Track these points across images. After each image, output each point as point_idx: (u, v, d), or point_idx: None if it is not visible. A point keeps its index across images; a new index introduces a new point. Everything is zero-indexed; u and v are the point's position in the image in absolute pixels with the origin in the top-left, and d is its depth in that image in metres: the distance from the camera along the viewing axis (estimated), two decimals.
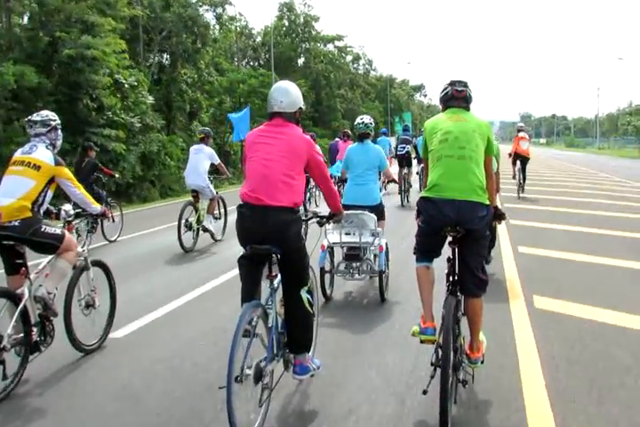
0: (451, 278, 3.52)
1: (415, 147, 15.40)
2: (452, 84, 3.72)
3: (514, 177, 15.07)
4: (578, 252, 7.80)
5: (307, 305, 3.44)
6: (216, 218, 9.14)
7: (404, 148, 14.83)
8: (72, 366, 4.18)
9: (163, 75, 25.45)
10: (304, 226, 3.63)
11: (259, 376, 3.07)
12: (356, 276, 5.70)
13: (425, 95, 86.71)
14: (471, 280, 3.48)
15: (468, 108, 3.71)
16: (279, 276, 3.47)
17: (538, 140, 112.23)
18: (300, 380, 3.61)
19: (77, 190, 4.38)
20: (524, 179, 14.88)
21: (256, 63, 43.29)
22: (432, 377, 3.16)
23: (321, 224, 3.78)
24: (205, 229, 8.80)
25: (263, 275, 3.46)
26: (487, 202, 3.50)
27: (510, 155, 14.84)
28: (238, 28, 41.85)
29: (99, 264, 4.69)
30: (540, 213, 11.90)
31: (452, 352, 3.14)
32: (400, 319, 5.06)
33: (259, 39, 44.19)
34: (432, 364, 3.23)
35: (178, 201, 15.16)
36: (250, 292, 3.35)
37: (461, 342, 3.46)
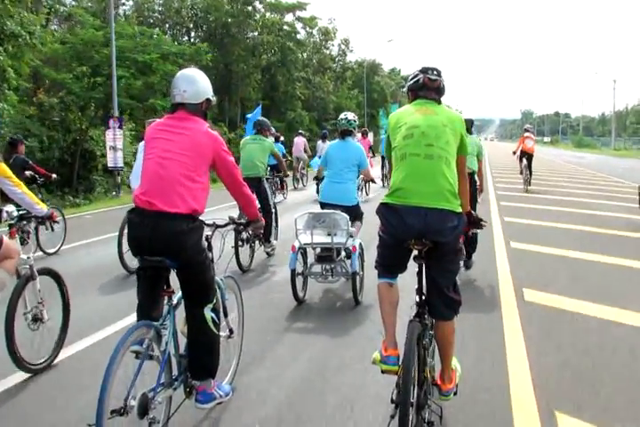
0: (417, 298, 3.10)
1: None
2: (425, 71, 3.23)
3: (521, 173, 16.83)
4: None
5: (211, 325, 3.09)
6: None
7: None
8: (14, 389, 3.76)
9: None
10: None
11: (144, 409, 2.65)
12: (330, 278, 5.42)
13: None
14: (441, 301, 3.06)
15: (439, 101, 3.24)
16: (179, 292, 3.12)
17: (542, 139, 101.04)
18: (203, 409, 3.24)
19: (17, 189, 4.00)
20: (531, 173, 16.52)
21: (186, 37, 32.94)
22: (392, 417, 2.73)
23: (238, 232, 3.42)
24: None
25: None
26: (459, 209, 3.04)
27: (514, 153, 16.66)
28: None
29: (49, 273, 4.26)
30: None
31: (414, 387, 2.77)
32: (374, 327, 4.63)
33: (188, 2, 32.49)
34: (392, 401, 2.79)
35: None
36: (146, 309, 3.02)
37: (427, 375, 3.03)
